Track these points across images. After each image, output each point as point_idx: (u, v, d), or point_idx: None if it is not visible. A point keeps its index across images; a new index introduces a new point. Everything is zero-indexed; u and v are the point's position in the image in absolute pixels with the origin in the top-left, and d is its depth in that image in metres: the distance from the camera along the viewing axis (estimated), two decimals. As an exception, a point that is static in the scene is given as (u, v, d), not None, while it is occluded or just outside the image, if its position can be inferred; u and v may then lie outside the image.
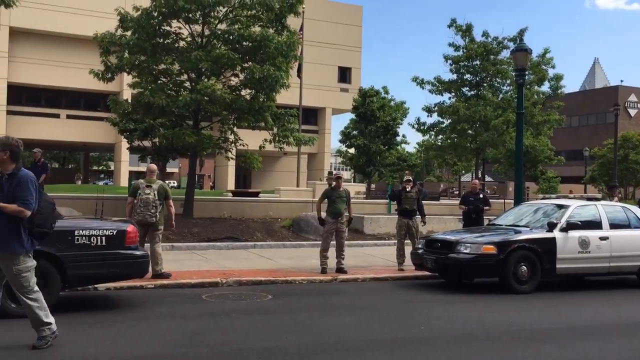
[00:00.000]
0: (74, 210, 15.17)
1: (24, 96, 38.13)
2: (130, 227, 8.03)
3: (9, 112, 35.91)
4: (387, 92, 34.87)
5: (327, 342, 6.49)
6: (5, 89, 35.39)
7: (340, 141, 36.78)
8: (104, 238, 7.68)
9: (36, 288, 5.89)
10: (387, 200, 21.86)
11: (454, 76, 27.72)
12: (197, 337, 6.57)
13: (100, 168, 75.19)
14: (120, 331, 6.79)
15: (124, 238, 7.85)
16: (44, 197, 6.02)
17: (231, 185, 39.73)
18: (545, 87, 28.24)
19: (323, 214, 11.76)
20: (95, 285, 8.85)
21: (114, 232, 7.79)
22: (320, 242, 11.84)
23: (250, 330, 6.95)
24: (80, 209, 15.66)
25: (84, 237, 7.56)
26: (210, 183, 52.78)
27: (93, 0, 35.01)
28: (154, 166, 10.64)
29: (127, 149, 24.76)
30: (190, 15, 16.13)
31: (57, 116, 39.14)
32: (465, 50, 26.87)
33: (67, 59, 36.58)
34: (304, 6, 17.45)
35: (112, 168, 54.24)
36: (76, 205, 16.17)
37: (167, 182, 26.61)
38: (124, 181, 37.40)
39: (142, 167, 61.66)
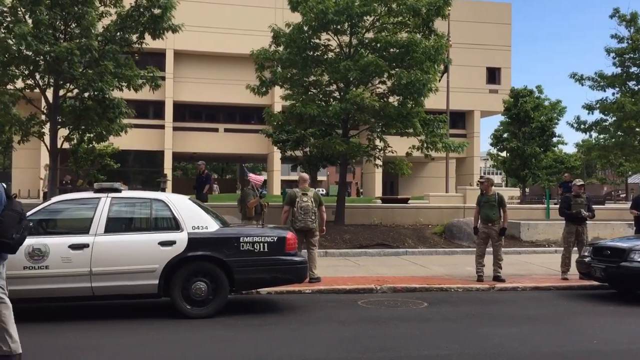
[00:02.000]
0: (235, 219, 16.13)
1: (186, 113, 41.35)
2: (289, 234, 8.35)
3: (174, 128, 39.15)
4: (541, 92, 33.08)
5: (490, 352, 6.26)
6: (172, 107, 38.65)
7: (492, 144, 35.46)
8: (266, 244, 8.06)
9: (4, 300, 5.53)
10: (545, 206, 20.71)
11: (618, 70, 25.53)
12: (357, 342, 6.67)
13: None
14: (284, 334, 7.09)
15: (284, 244, 8.18)
16: (13, 206, 5.61)
17: (378, 192, 39.92)
18: None
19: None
20: (258, 290, 9.35)
21: (275, 239, 8.14)
22: (475, 249, 11.50)
23: (408, 337, 6.92)
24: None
25: (248, 244, 7.99)
26: (361, 190, 53.40)
27: (247, 20, 37.09)
28: (306, 175, 11.06)
29: (280, 158, 25.83)
30: (339, 26, 16.51)
31: (215, 130, 41.92)
32: (630, 42, 24.67)
33: (224, 76, 39.09)
34: (449, 8, 17.13)
35: (266, 177, 56.97)
36: (237, 213, 17.15)
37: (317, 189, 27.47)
38: (276, 190, 39.13)
39: (293, 176, 63.95)
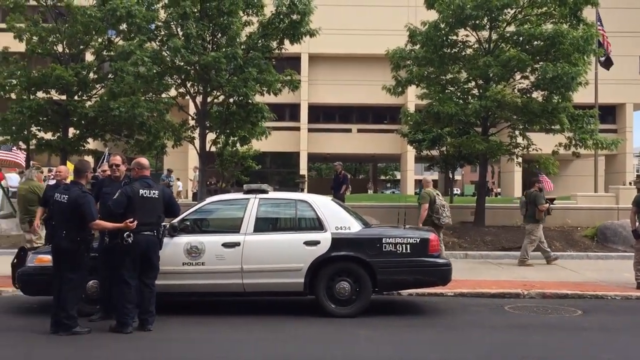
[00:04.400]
0: (372, 219, 16.18)
1: (321, 114, 42.25)
2: (432, 236, 8.21)
3: (309, 130, 40.16)
4: None
5: (661, 369, 5.72)
6: (307, 109, 39.69)
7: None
8: (408, 246, 7.97)
9: None
10: None
11: None
12: (510, 350, 6.39)
13: (387, 177, 79.16)
14: (429, 337, 6.97)
15: (427, 246, 8.04)
16: None
17: (518, 192, 38.11)
18: None
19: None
20: (399, 291, 9.28)
21: (418, 240, 8.03)
22: (633, 254, 10.58)
23: (565, 347, 6.52)
24: (377, 217, 16.61)
25: (390, 245, 7.95)
26: (498, 190, 51.39)
27: (379, 21, 37.12)
28: (429, 178, 11.67)
29: (415, 158, 25.54)
30: (477, 21, 16.00)
31: (349, 131, 42.40)
32: None
33: (357, 77, 39.42)
34: (599, -6, 15.96)
35: (399, 177, 56.64)
36: (372, 214, 17.21)
37: (452, 189, 26.78)
38: (410, 190, 38.76)
39: (427, 176, 62.63)
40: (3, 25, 19.11)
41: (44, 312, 7.86)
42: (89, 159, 19.27)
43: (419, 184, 52.92)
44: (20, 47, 18.23)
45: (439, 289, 9.25)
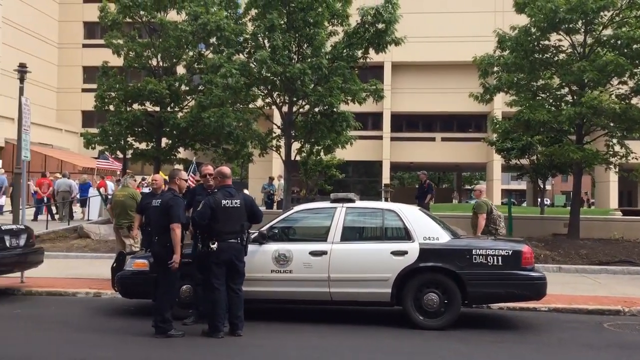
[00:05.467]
0: (458, 229, 15.81)
1: (403, 123, 41.92)
2: (525, 248, 7.89)
3: (392, 139, 39.94)
4: None
5: None
6: (389, 118, 39.50)
7: None
8: (500, 258, 7.70)
9: None
10: None
11: None
12: (611, 371, 6.03)
13: (472, 187, 77.34)
14: (522, 354, 6.70)
15: (520, 258, 7.74)
16: None
17: (614, 203, 36.21)
18: None
19: None
20: (489, 305, 8.99)
21: (510, 252, 7.76)
22: None
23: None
24: (462, 227, 16.22)
25: (481, 257, 7.71)
26: (592, 201, 48.91)
27: (464, 27, 36.50)
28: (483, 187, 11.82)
29: (502, 167, 24.80)
30: (571, 25, 15.35)
31: (432, 139, 41.82)
32: None
33: (440, 85, 38.89)
34: None
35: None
36: (457, 224, 16.81)
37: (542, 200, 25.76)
38: (496, 199, 37.62)
39: (513, 185, 60.97)
40: (102, 42, 20.30)
41: (140, 314, 8.21)
42: (180, 167, 20.04)
43: (505, 193, 51.32)
44: (117, 61, 19.30)
45: (531, 303, 8.90)
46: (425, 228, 8.00)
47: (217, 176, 7.56)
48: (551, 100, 16.43)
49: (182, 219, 7.15)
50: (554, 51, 16.22)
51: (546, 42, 16.05)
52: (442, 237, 7.93)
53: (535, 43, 15.85)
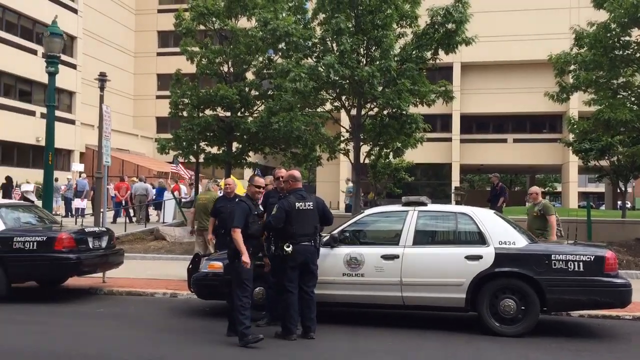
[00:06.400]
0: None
1: (473, 124, 41.05)
2: (609, 253, 7.54)
3: (461, 141, 39.19)
4: None
5: None
6: (459, 120, 38.78)
7: None
8: (581, 263, 7.40)
9: None
10: None
11: None
12: None
13: (546, 189, 74.82)
14: (608, 364, 6.39)
15: (603, 264, 7.41)
16: None
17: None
18: None
19: None
20: (568, 312, 8.64)
21: (592, 258, 7.43)
22: None
23: None
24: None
25: (561, 262, 7.43)
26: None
27: (536, 25, 35.42)
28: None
29: (580, 169, 23.84)
30: (655, 19, 14.58)
31: (504, 141, 40.74)
32: None
33: (511, 84, 37.88)
34: None
35: (559, 189, 53.28)
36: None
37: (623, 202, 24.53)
38: (572, 202, 36.22)
39: (590, 188, 58.67)
40: (174, 50, 20.94)
41: (215, 315, 8.39)
42: (250, 171, 20.39)
43: (582, 196, 49.34)
44: (189, 68, 19.87)
45: (614, 311, 8.54)
46: (501, 232, 7.78)
47: (288, 179, 7.61)
48: (633, 99, 15.65)
49: (239, 224, 6.99)
50: (636, 47, 15.43)
51: (627, 38, 15.28)
52: (519, 242, 7.69)
53: (616, 39, 15.11)
